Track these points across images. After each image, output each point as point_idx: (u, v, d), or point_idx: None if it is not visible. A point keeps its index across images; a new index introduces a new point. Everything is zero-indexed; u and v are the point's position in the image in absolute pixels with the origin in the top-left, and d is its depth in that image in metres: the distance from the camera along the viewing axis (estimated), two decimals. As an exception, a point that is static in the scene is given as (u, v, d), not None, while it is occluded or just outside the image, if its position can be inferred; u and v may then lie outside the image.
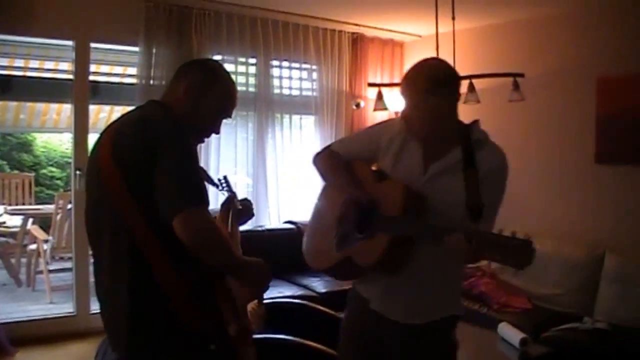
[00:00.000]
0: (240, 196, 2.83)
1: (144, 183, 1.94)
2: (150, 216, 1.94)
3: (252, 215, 2.81)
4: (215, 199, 3.40)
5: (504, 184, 2.39)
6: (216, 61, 2.41)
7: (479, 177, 2.27)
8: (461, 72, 5.08)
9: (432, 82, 2.32)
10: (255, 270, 2.19)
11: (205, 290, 2.07)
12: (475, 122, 2.47)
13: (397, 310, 2.43)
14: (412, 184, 2.37)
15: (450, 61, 5.13)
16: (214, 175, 2.90)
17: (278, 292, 5.08)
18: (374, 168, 2.62)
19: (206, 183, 2.30)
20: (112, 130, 2.14)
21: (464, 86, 5.19)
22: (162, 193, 1.92)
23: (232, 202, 2.70)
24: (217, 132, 2.32)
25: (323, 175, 2.72)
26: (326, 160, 2.70)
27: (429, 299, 2.41)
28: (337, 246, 2.49)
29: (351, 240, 2.43)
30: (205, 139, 2.42)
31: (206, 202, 1.97)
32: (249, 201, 2.78)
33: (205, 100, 2.20)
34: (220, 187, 2.82)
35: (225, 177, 2.87)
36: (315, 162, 2.74)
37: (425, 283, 2.38)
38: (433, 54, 5.14)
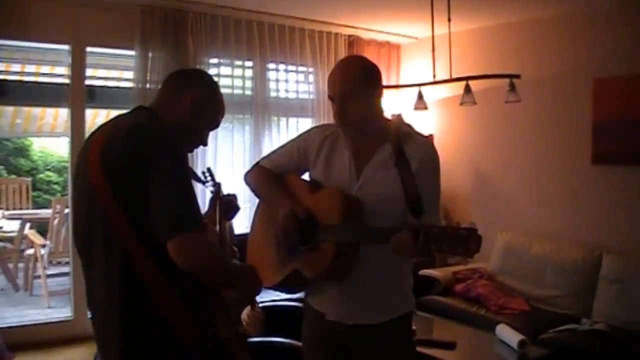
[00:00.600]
0: (238, 197, 2.85)
1: (136, 199, 1.91)
2: (144, 234, 1.91)
3: (238, 208, 2.84)
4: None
5: (438, 172, 2.42)
6: (209, 75, 2.42)
7: (412, 170, 2.29)
8: (457, 73, 5.16)
9: (370, 75, 2.36)
10: (246, 277, 2.19)
11: (201, 305, 2.06)
12: (399, 116, 2.50)
13: (352, 314, 2.43)
14: (347, 189, 2.38)
15: (446, 63, 5.19)
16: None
17: (276, 295, 5.04)
18: (306, 177, 2.62)
19: (193, 181, 2.30)
20: (102, 138, 2.07)
21: (460, 88, 5.21)
22: (155, 215, 1.88)
23: (217, 198, 2.73)
24: (205, 144, 2.33)
25: (256, 193, 2.70)
26: (256, 177, 2.68)
27: (381, 298, 2.42)
28: (282, 260, 2.49)
29: (296, 253, 2.43)
30: (192, 151, 2.43)
31: (200, 220, 1.96)
32: (233, 195, 2.82)
33: (205, 113, 2.22)
34: (205, 183, 2.86)
35: (209, 169, 2.88)
36: (246, 180, 2.71)
37: (376, 284, 2.39)
38: (429, 56, 5.16)
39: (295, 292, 2.70)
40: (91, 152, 2.05)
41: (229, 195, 2.80)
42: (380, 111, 2.43)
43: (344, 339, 2.47)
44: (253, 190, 2.69)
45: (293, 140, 2.67)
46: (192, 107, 2.17)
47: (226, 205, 2.70)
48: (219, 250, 2.06)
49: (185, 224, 1.88)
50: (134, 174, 1.92)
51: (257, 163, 2.72)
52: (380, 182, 2.35)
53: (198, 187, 2.44)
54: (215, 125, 2.31)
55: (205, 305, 2.06)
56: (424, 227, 1.99)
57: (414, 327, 3.24)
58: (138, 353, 1.98)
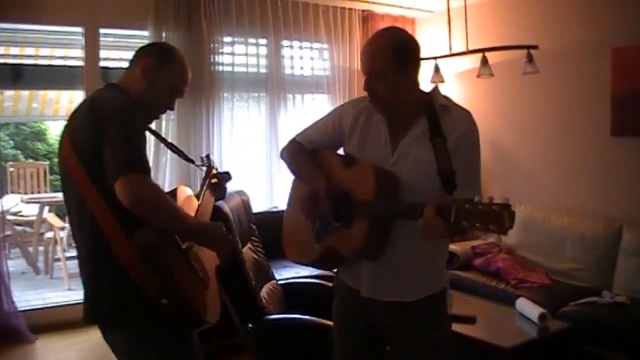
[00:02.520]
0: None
1: (98, 164, 2.06)
2: (107, 195, 2.04)
3: (224, 189, 2.84)
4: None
5: (478, 148, 2.36)
6: (169, 44, 2.57)
7: (448, 145, 2.23)
8: (474, 45, 5.10)
9: (399, 52, 2.28)
10: (212, 234, 2.27)
11: (158, 257, 2.13)
12: (436, 88, 2.43)
13: (388, 291, 2.41)
14: (382, 164, 2.35)
15: (462, 36, 5.13)
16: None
17: (295, 273, 5.07)
18: (340, 152, 2.60)
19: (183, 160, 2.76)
20: (72, 114, 2.32)
21: (477, 60, 5.16)
22: (105, 163, 2.03)
23: (207, 177, 2.77)
24: (172, 109, 2.44)
25: (291, 169, 2.70)
26: (291, 153, 2.68)
27: (416, 275, 2.39)
28: (317, 238, 2.48)
29: (330, 230, 2.42)
30: (161, 115, 2.52)
31: (145, 168, 2.05)
32: (226, 174, 2.84)
33: (158, 80, 2.31)
34: (194, 163, 2.88)
35: (207, 156, 2.93)
36: (282, 157, 2.72)
37: (411, 261, 2.36)
38: (445, 29, 5.11)
39: (331, 269, 2.68)
40: (65, 126, 2.29)
41: (221, 173, 2.83)
42: (415, 85, 2.37)
43: (377, 316, 2.46)
44: (288, 166, 2.69)
45: (328, 114, 2.66)
46: (143, 75, 2.30)
47: (216, 184, 2.73)
48: (165, 196, 2.12)
49: (129, 167, 2.00)
50: (92, 143, 2.09)
51: (293, 139, 2.71)
52: (415, 157, 2.31)
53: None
54: (176, 92, 2.39)
55: (163, 258, 2.11)
56: (455, 202, 1.91)
57: (473, 313, 3.22)
58: (101, 295, 2.20)
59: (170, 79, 2.34)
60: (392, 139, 2.37)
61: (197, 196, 2.62)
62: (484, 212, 1.83)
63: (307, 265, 2.66)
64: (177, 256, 2.17)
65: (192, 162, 2.88)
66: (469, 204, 1.87)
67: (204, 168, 2.87)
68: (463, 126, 2.32)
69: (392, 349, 2.52)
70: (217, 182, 2.77)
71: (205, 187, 2.68)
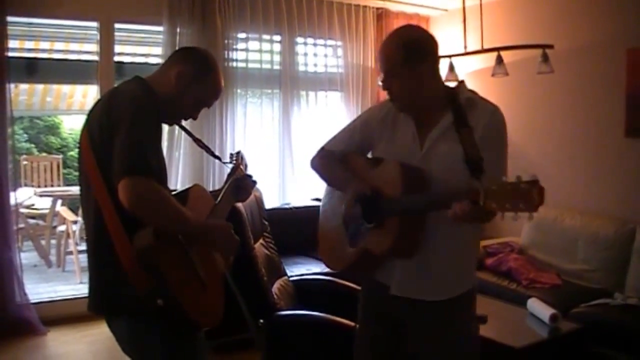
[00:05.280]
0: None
1: (108, 157, 2.06)
2: (114, 191, 2.02)
3: (248, 193, 2.78)
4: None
5: (504, 139, 2.35)
6: (211, 55, 2.49)
7: (475, 136, 2.22)
8: (489, 44, 5.08)
9: (409, 51, 2.27)
10: (217, 235, 2.26)
11: (156, 263, 2.12)
12: (462, 83, 2.43)
13: (419, 290, 2.40)
14: (410, 160, 2.35)
15: (477, 34, 5.11)
16: (245, 156, 2.88)
17: (306, 269, 5.09)
18: (369, 156, 2.60)
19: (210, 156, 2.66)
20: (92, 107, 2.31)
21: (492, 59, 5.14)
22: (112, 162, 2.03)
23: (231, 177, 2.70)
24: (195, 118, 2.43)
25: (322, 177, 2.71)
26: (321, 162, 2.69)
27: (448, 274, 2.39)
28: (351, 242, 2.47)
29: (363, 233, 2.41)
30: (181, 122, 2.50)
31: (149, 170, 2.02)
32: (249, 178, 2.75)
33: (191, 90, 2.30)
34: (221, 160, 2.86)
35: (238, 152, 2.85)
36: (312, 166, 2.73)
37: (442, 259, 2.36)
38: (459, 28, 5.10)
39: (369, 273, 2.60)
40: (86, 118, 2.28)
41: (245, 177, 2.75)
42: (435, 81, 2.37)
43: (403, 313, 2.46)
44: (319, 175, 2.71)
45: (354, 120, 2.69)
46: (177, 81, 2.28)
47: (238, 186, 2.68)
48: (167, 199, 2.09)
49: (132, 168, 1.98)
50: (105, 139, 2.09)
51: (322, 147, 2.72)
52: (443, 150, 2.31)
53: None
54: (202, 104, 2.39)
55: (160, 261, 2.08)
56: (483, 185, 1.89)
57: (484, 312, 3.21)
58: (101, 286, 2.24)
59: (202, 92, 2.34)
60: (420, 135, 2.37)
61: (218, 194, 2.58)
62: (512, 191, 1.80)
63: (343, 271, 2.64)
64: (176, 259, 2.15)
65: (219, 158, 2.87)
66: (497, 185, 1.84)
67: (230, 166, 2.79)
68: (490, 117, 2.31)
69: (413, 347, 2.50)
70: (242, 183, 2.70)
71: (226, 187, 2.63)
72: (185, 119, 2.44)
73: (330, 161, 2.64)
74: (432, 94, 2.35)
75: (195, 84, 2.30)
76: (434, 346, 2.44)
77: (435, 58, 2.37)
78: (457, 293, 2.41)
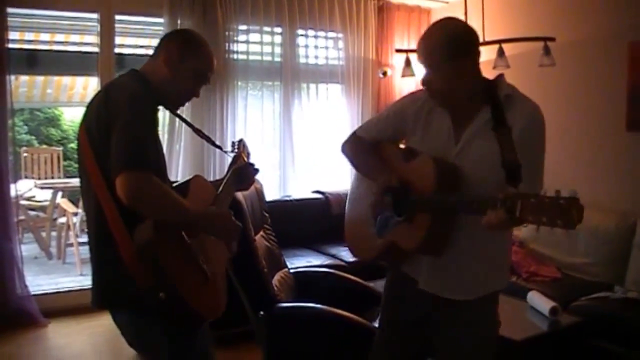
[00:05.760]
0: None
1: (106, 151, 2.05)
2: (110, 179, 2.03)
3: (251, 181, 2.76)
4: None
5: (543, 141, 2.30)
6: (194, 31, 2.54)
7: (513, 136, 2.16)
8: (490, 37, 5.06)
9: (454, 46, 2.21)
10: (217, 222, 2.27)
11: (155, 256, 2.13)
12: (501, 76, 2.36)
13: (445, 288, 2.38)
14: (444, 156, 2.30)
15: (479, 27, 5.09)
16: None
17: (306, 262, 5.09)
18: (402, 146, 2.57)
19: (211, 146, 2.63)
20: (89, 102, 2.30)
21: (493, 51, 5.12)
22: (111, 156, 2.02)
23: (233, 165, 2.69)
24: (197, 96, 2.42)
25: (352, 164, 2.68)
26: (353, 148, 2.66)
27: (477, 274, 2.36)
28: (378, 232, 2.44)
29: (391, 225, 2.38)
30: (185, 103, 2.49)
31: (147, 164, 2.02)
32: (252, 166, 2.74)
33: (182, 66, 2.30)
34: (222, 149, 2.86)
35: (240, 141, 2.83)
36: (343, 151, 2.69)
37: (472, 258, 2.33)
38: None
39: (394, 265, 2.61)
40: (84, 113, 2.28)
41: (247, 165, 2.74)
42: (475, 75, 2.31)
43: (429, 308, 2.44)
44: (350, 161, 2.68)
45: (388, 109, 2.64)
46: (167, 64, 2.29)
47: (240, 175, 2.67)
48: (168, 190, 2.09)
49: (130, 163, 1.99)
50: (103, 134, 2.09)
51: (354, 133, 2.69)
52: (478, 149, 2.26)
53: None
54: (200, 77, 2.37)
55: (160, 254, 2.08)
56: (520, 196, 1.86)
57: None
58: (103, 281, 2.24)
59: (194, 65, 2.32)
60: (455, 130, 2.33)
61: (219, 184, 2.57)
62: (550, 206, 1.77)
63: (369, 260, 2.65)
64: (177, 251, 2.14)
65: (220, 147, 2.86)
66: (535, 197, 1.81)
67: (231, 155, 2.78)
68: (529, 118, 2.26)
69: (434, 343, 2.50)
70: (244, 172, 2.69)
71: (228, 176, 2.62)
72: (189, 99, 2.42)
73: (361, 148, 2.61)
74: (471, 89, 2.30)
75: (185, 60, 2.30)
76: (452, 345, 2.43)
77: (477, 53, 2.30)
78: (484, 293, 2.39)
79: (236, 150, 2.76)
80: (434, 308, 2.43)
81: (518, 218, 1.84)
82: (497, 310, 2.49)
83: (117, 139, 2.02)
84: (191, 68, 2.31)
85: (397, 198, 2.36)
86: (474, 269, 2.35)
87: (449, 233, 2.28)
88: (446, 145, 2.34)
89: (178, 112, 2.58)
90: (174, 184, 2.36)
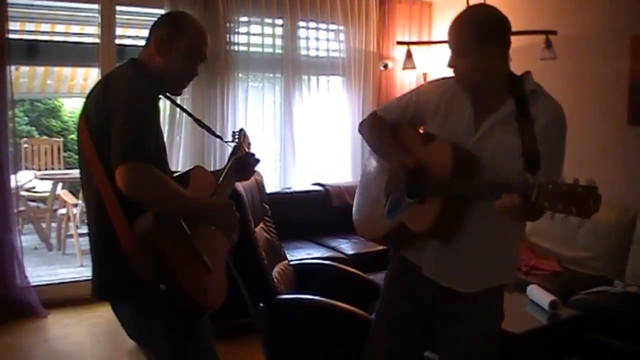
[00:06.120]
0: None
1: (106, 142, 2.05)
2: (110, 170, 2.03)
3: (251, 171, 2.76)
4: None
5: (564, 137, 2.28)
6: (180, 11, 2.54)
7: (535, 129, 2.16)
8: (492, 30, 5.00)
9: (485, 31, 2.20)
10: (218, 212, 2.27)
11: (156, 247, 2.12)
12: (528, 73, 2.35)
13: (451, 277, 2.37)
14: (463, 142, 2.29)
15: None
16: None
17: (306, 254, 5.09)
18: (421, 130, 2.55)
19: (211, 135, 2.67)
20: (89, 92, 2.30)
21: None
22: (111, 147, 2.02)
23: (233, 156, 2.68)
24: (196, 74, 2.39)
25: (369, 142, 2.67)
26: (371, 127, 2.64)
27: (484, 265, 2.34)
28: (389, 213, 2.43)
29: (402, 206, 2.37)
30: (187, 85, 2.47)
31: (147, 155, 2.01)
32: (252, 156, 2.74)
33: (174, 48, 2.28)
34: (222, 139, 2.86)
35: (241, 130, 2.82)
36: (360, 130, 2.69)
37: (480, 248, 2.32)
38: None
39: (399, 248, 2.59)
40: (84, 103, 2.28)
41: (248, 155, 2.74)
42: (503, 65, 2.30)
43: (431, 297, 2.44)
44: (366, 140, 2.67)
45: (410, 92, 2.63)
46: (159, 47, 2.28)
47: (240, 164, 2.67)
48: (168, 181, 2.09)
49: (129, 154, 1.98)
50: (103, 125, 2.08)
51: (374, 112, 2.68)
52: (498, 138, 2.25)
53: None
54: (195, 55, 2.34)
55: (161, 244, 2.07)
56: (537, 183, 1.84)
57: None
58: (104, 273, 2.25)
59: (185, 44, 2.28)
60: (476, 118, 2.31)
61: (220, 174, 2.57)
62: (567, 194, 1.75)
63: (374, 241, 2.65)
64: (178, 242, 2.14)
65: (221, 138, 2.86)
66: (553, 184, 1.79)
67: (232, 145, 2.78)
68: (553, 113, 2.26)
69: (436, 336, 2.49)
70: (245, 162, 2.69)
71: (228, 166, 2.61)
72: (190, 78, 2.40)
73: (380, 127, 2.60)
74: (498, 78, 2.29)
75: (175, 40, 2.27)
76: (454, 339, 2.42)
77: (507, 41, 2.29)
78: (489, 286, 2.38)
79: (237, 140, 2.75)
80: (436, 299, 2.42)
81: (533, 203, 1.83)
82: (501, 304, 2.47)
83: (116, 130, 2.02)
84: (182, 47, 2.28)
85: (410, 180, 2.34)
86: (482, 259, 2.33)
87: (460, 218, 2.26)
88: (465, 132, 2.32)
89: (178, 102, 2.56)
90: (175, 174, 2.35)
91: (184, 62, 2.30)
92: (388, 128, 2.57)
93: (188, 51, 2.30)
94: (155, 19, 2.37)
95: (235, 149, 2.71)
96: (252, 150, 2.80)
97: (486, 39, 2.20)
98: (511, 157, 2.14)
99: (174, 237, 2.13)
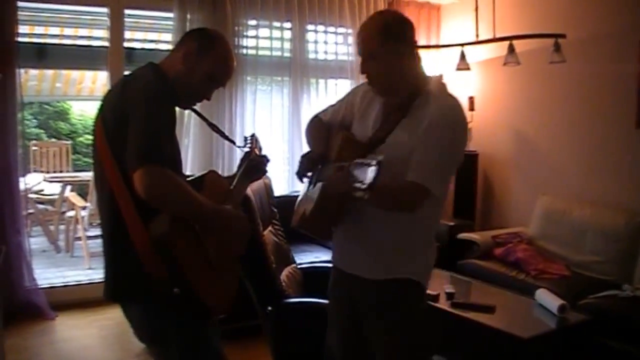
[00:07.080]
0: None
1: (122, 144, 2.05)
2: (128, 178, 2.03)
3: (263, 172, 2.77)
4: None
5: (449, 138, 2.32)
6: (217, 31, 2.51)
7: (419, 128, 2.27)
8: (501, 33, 5.04)
9: (387, 33, 2.29)
10: (234, 224, 2.29)
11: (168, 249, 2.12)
12: (438, 76, 2.47)
13: (354, 264, 2.48)
14: (363, 138, 2.43)
15: (489, 23, 5.08)
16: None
17: (314, 257, 5.08)
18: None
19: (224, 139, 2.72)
20: (106, 93, 2.35)
21: (504, 48, 5.10)
22: (127, 150, 2.03)
23: (245, 159, 2.69)
24: (208, 99, 2.41)
25: (306, 140, 2.81)
26: (309, 128, 2.78)
27: (381, 253, 2.41)
28: (299, 202, 2.62)
29: (305, 194, 2.55)
30: (194, 104, 2.49)
31: (163, 159, 2.03)
32: (263, 157, 2.75)
33: (199, 66, 2.28)
34: (237, 144, 2.85)
35: (252, 135, 2.83)
36: (305, 131, 2.82)
37: (376, 237, 2.39)
38: (471, 17, 5.06)
39: (317, 236, 2.81)
40: (100, 105, 2.29)
41: (259, 156, 2.74)
42: (411, 68, 2.37)
43: (355, 292, 2.51)
44: (306, 140, 2.79)
45: (345, 94, 2.72)
46: (184, 60, 2.28)
47: (251, 166, 2.68)
48: (186, 186, 2.09)
49: (147, 158, 1.99)
50: (120, 127, 2.08)
51: (315, 115, 2.79)
52: (394, 133, 2.35)
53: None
54: (214, 81, 2.35)
55: (175, 248, 2.08)
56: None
57: (450, 290, 3.22)
58: (117, 280, 2.25)
59: (209, 66, 2.29)
60: (383, 120, 2.41)
61: (233, 179, 2.58)
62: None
63: (296, 228, 2.67)
64: (191, 246, 2.15)
65: (233, 142, 2.87)
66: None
67: (244, 150, 2.78)
68: (441, 113, 2.30)
69: (365, 328, 2.53)
70: (255, 162, 2.70)
71: (240, 170, 2.62)
72: (200, 100, 2.43)
73: (315, 128, 2.73)
74: (406, 79, 2.37)
75: (202, 59, 2.28)
76: (378, 329, 2.46)
77: (409, 42, 2.36)
78: (392, 277, 2.39)
79: (249, 145, 2.75)
80: (358, 291, 2.49)
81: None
82: (420, 304, 2.50)
83: (133, 133, 2.03)
84: (206, 67, 2.29)
85: (315, 169, 2.55)
86: (378, 247, 2.40)
87: (336, 206, 2.38)
88: (372, 129, 2.43)
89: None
90: (188, 178, 2.36)
91: (202, 81, 2.31)
92: (322, 128, 2.68)
93: (210, 74, 2.31)
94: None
95: (247, 155, 2.71)
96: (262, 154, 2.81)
97: (390, 40, 2.29)
98: (400, 158, 2.26)
99: (187, 241, 2.14)
